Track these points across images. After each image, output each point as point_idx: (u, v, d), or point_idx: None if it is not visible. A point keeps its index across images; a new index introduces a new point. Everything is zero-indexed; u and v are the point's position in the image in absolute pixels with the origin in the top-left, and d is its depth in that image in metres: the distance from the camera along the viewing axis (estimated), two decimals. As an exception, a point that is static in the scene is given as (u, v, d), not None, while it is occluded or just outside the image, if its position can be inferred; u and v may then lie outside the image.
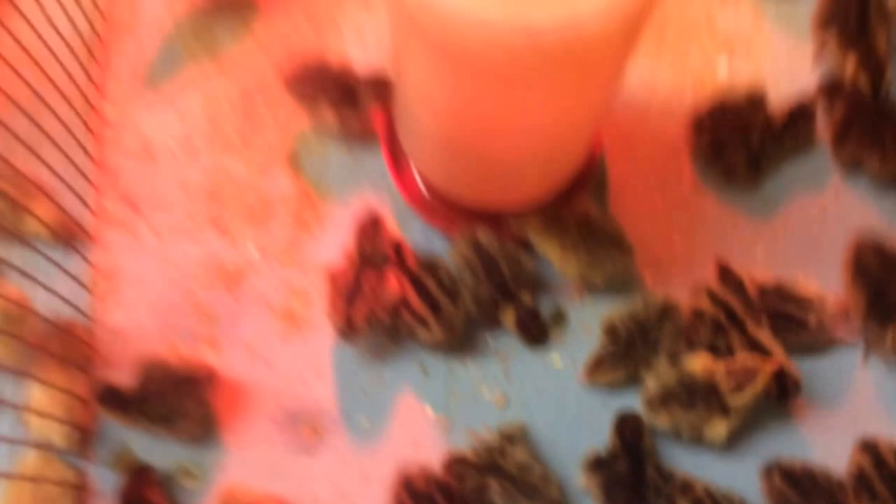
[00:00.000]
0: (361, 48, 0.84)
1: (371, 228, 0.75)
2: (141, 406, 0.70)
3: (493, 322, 0.75)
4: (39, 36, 0.76)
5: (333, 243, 0.77)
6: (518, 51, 0.51)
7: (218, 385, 0.73)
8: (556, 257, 0.75)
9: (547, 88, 0.56)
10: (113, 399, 0.69)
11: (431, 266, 0.74)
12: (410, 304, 0.73)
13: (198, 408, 0.71)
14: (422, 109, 0.63)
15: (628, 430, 0.70)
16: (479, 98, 0.57)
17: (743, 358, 0.70)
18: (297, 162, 0.81)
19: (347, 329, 0.72)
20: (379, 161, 0.79)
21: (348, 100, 0.78)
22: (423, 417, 0.74)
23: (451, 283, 0.74)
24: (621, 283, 0.76)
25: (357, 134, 0.80)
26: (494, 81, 0.54)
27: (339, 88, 0.78)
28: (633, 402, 0.72)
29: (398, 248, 0.74)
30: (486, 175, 0.68)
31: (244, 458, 0.73)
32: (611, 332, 0.73)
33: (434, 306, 0.72)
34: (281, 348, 0.76)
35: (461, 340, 0.75)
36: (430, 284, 0.73)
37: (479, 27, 0.50)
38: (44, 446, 0.71)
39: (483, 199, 0.73)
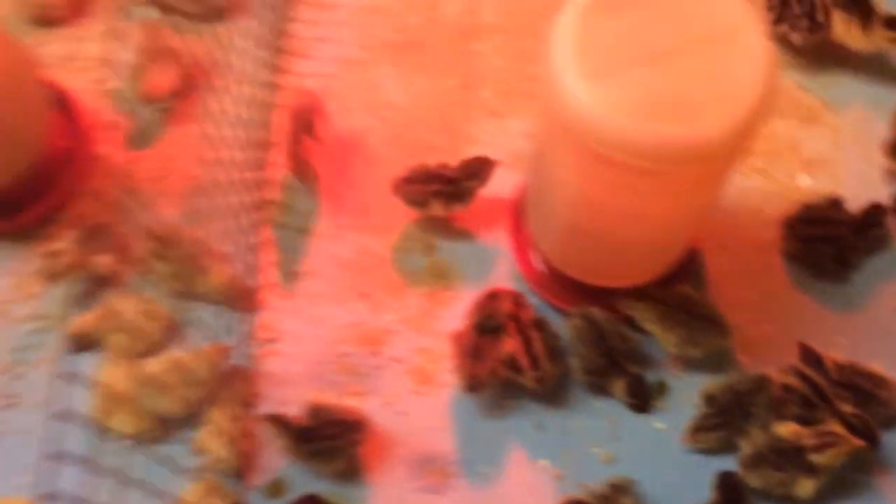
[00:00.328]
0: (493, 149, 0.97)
1: (490, 297, 0.87)
2: (303, 437, 0.81)
3: (603, 389, 0.86)
4: (219, 128, 0.91)
5: (460, 311, 0.89)
6: (653, 157, 0.63)
7: (365, 430, 0.84)
8: (659, 334, 0.86)
9: (671, 188, 0.68)
10: (281, 425, 0.81)
11: (542, 324, 0.85)
12: (516, 352, 0.83)
13: (349, 447, 0.81)
14: (559, 199, 0.75)
15: (729, 486, 0.79)
16: (613, 192, 0.69)
17: (829, 424, 0.79)
18: (432, 243, 0.93)
19: (470, 385, 0.83)
20: (498, 244, 0.92)
21: (455, 194, 0.91)
22: (537, 468, 0.84)
23: (555, 343, 0.85)
24: (718, 360, 0.87)
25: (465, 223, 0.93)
26: (629, 179, 0.66)
27: (445, 185, 0.91)
28: (729, 464, 0.82)
29: (517, 299, 0.86)
30: (606, 257, 0.80)
31: (384, 495, 0.83)
32: (710, 400, 0.83)
33: (534, 358, 0.83)
34: (414, 401, 0.87)
35: (553, 394, 0.85)
36: (536, 337, 0.84)
37: (623, 135, 0.63)
38: (211, 473, 0.82)
39: (599, 278, 0.85)
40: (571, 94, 0.63)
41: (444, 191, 0.91)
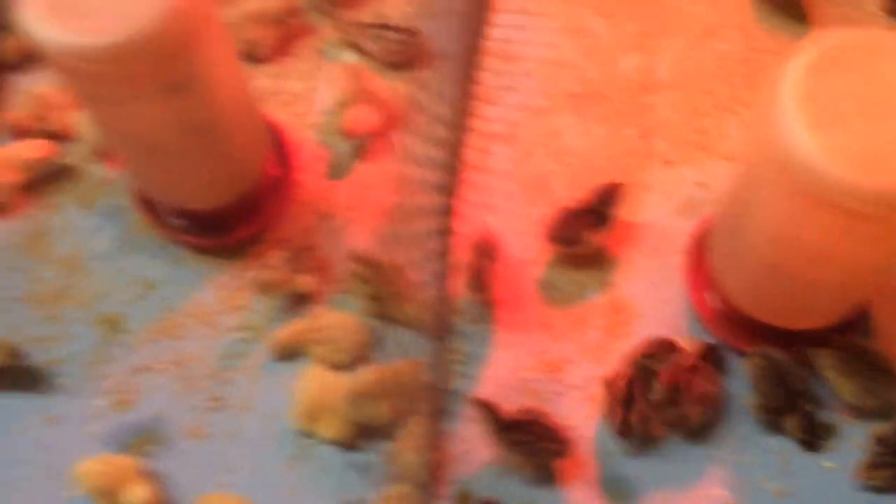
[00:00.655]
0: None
1: (651, 345, 0.92)
2: (509, 427, 0.87)
3: (776, 426, 0.90)
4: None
5: (632, 342, 0.94)
6: (872, 203, 0.69)
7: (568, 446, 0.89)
8: (836, 381, 0.90)
9: (879, 232, 0.73)
10: (490, 412, 0.87)
11: (702, 368, 0.90)
12: (670, 398, 0.89)
13: (548, 453, 0.87)
14: (759, 239, 0.81)
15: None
16: (822, 234, 0.74)
17: None
18: (607, 280, 0.99)
19: (621, 431, 0.89)
20: (666, 279, 0.98)
21: (599, 222, 0.98)
22: (711, 497, 0.88)
23: (712, 387, 0.89)
24: (890, 410, 0.90)
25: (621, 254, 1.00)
26: (841, 222, 0.72)
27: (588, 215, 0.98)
28: (898, 503, 0.86)
29: (677, 346, 0.91)
30: (797, 298, 0.85)
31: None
32: (882, 440, 0.87)
33: (689, 402, 0.89)
34: (588, 423, 0.92)
35: (717, 432, 0.91)
36: (694, 382, 0.89)
37: (845, 182, 0.68)
38: (402, 482, 0.89)
39: (783, 320, 0.90)
40: (796, 142, 0.69)
41: (590, 221, 0.98)
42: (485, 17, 1.12)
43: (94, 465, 0.88)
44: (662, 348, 0.92)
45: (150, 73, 0.75)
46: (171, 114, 0.81)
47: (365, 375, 0.91)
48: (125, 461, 0.89)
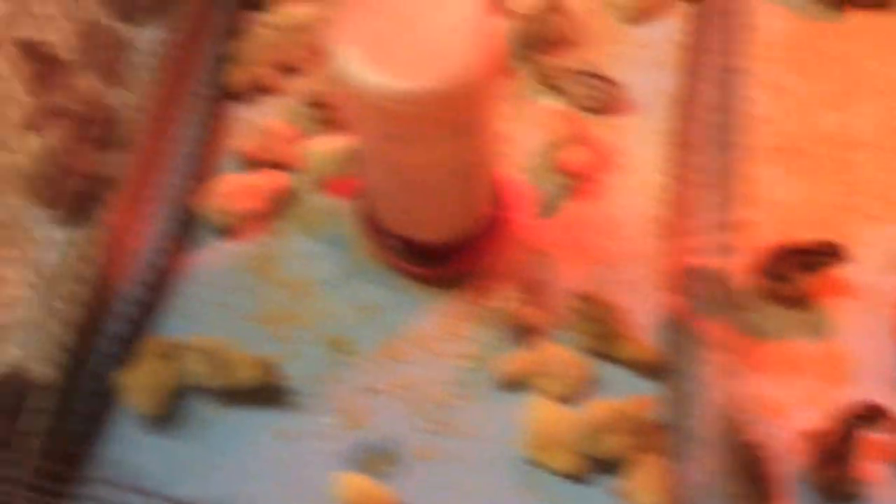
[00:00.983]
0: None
1: (868, 406, 0.95)
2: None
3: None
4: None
5: (841, 397, 0.97)
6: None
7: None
8: None
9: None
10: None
11: None
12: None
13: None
14: None
15: None
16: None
17: None
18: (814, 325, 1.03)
19: (823, 488, 0.92)
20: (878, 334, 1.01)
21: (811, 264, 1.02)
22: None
23: None
24: None
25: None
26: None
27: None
28: None
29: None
30: None
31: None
32: None
33: None
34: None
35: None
36: None
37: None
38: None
39: None
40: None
41: (801, 263, 1.01)
42: (696, 74, 1.17)
43: (351, 483, 0.92)
44: (873, 412, 0.95)
45: (450, 116, 0.81)
46: (449, 155, 0.86)
47: (598, 409, 0.95)
48: (375, 486, 0.93)
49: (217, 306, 1.05)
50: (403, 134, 0.82)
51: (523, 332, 1.03)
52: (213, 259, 1.08)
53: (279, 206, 1.11)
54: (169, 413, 0.99)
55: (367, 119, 0.84)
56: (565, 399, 0.98)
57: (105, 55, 1.13)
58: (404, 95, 0.78)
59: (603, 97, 1.17)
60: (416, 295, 1.06)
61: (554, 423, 0.95)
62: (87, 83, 1.10)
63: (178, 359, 0.98)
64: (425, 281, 1.06)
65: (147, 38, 1.14)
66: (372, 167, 0.93)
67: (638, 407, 0.94)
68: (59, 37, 1.08)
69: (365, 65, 0.78)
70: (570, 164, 1.11)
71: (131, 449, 0.98)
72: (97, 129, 1.07)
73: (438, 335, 1.04)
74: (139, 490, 0.95)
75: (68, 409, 0.97)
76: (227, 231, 1.09)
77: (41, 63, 1.06)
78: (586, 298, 1.01)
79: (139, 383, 0.97)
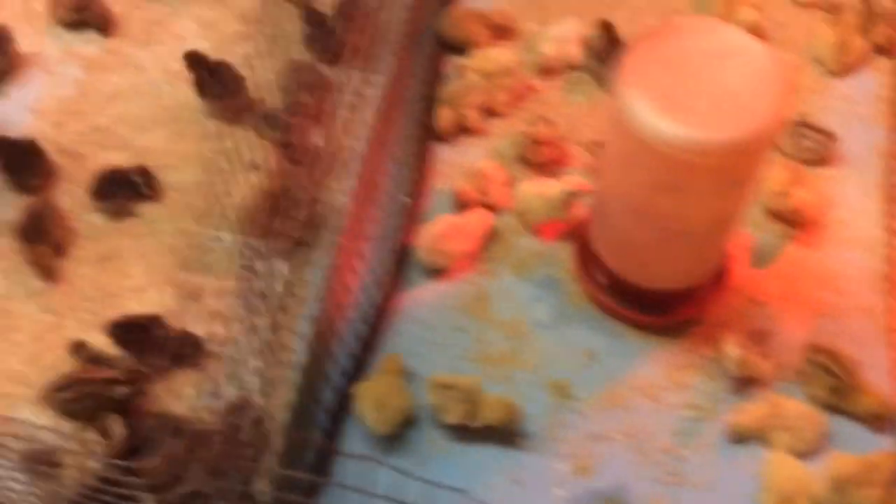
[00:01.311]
0: None
1: None
2: None
3: None
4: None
5: None
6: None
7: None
8: None
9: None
10: None
11: None
12: None
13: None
14: None
15: None
16: None
17: None
18: None
19: None
20: None
21: None
22: None
23: None
24: None
25: None
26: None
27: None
28: None
29: None
30: None
31: None
32: None
33: None
34: None
35: None
36: None
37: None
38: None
39: None
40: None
41: None
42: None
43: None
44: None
45: (736, 168, 0.80)
46: (717, 205, 0.85)
47: (844, 463, 0.92)
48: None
49: (432, 345, 1.04)
50: (679, 184, 0.81)
51: (748, 384, 1.00)
52: (425, 298, 1.07)
53: (489, 247, 1.10)
54: (398, 436, 0.97)
55: (640, 167, 0.83)
56: (801, 453, 0.96)
57: (311, 95, 1.13)
58: (702, 146, 0.77)
59: (819, 149, 1.15)
60: (635, 342, 1.04)
61: (797, 479, 0.93)
62: (297, 122, 1.10)
63: (414, 386, 0.96)
64: (644, 327, 1.04)
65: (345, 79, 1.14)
66: (621, 215, 0.92)
67: (889, 460, 0.91)
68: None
69: (657, 113, 0.77)
70: (790, 213, 1.09)
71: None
72: (315, 167, 1.07)
73: (661, 383, 1.02)
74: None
75: (300, 441, 0.95)
76: (437, 270, 1.08)
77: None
78: (821, 350, 0.99)
79: (372, 396, 0.96)
